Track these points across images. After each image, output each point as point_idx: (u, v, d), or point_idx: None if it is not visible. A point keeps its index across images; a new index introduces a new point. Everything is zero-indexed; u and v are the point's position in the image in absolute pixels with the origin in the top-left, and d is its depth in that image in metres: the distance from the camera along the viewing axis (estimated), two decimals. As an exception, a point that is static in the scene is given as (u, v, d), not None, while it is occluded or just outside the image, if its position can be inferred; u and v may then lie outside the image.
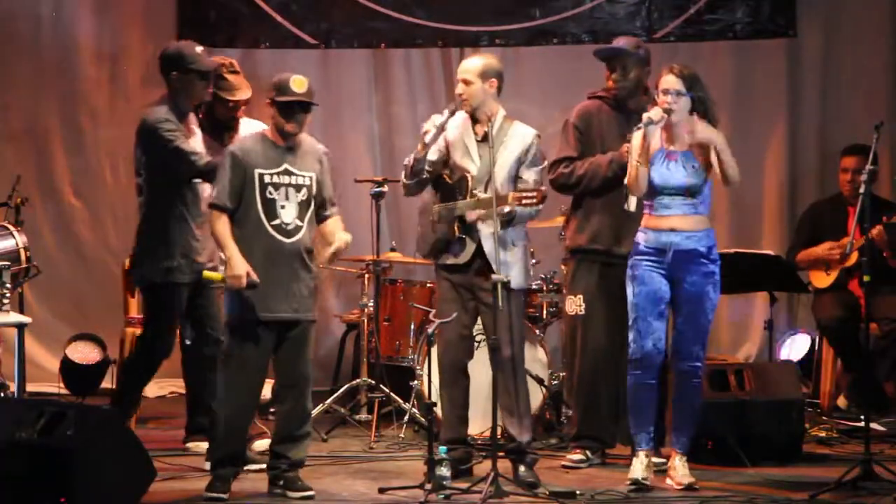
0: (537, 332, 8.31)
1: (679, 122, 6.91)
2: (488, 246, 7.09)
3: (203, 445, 7.58)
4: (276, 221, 6.82)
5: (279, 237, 6.82)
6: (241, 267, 6.72)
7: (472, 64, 7.27)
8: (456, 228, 7.19)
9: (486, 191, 7.11)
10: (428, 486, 6.70)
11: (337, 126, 10.04)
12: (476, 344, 7.95)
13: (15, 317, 7.41)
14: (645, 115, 6.86)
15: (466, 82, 7.20)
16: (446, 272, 7.26)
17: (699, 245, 6.93)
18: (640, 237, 6.97)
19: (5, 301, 7.31)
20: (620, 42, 7.60)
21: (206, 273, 7.30)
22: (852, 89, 10.23)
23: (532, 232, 8.98)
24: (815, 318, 9.14)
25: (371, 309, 8.73)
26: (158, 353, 7.49)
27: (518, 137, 7.23)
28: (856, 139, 9.26)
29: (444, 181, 7.29)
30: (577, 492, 6.79)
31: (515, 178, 7.17)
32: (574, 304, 7.57)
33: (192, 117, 7.49)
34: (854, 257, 8.46)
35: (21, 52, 10.09)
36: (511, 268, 7.08)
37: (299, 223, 6.83)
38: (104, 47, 10.18)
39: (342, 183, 9.48)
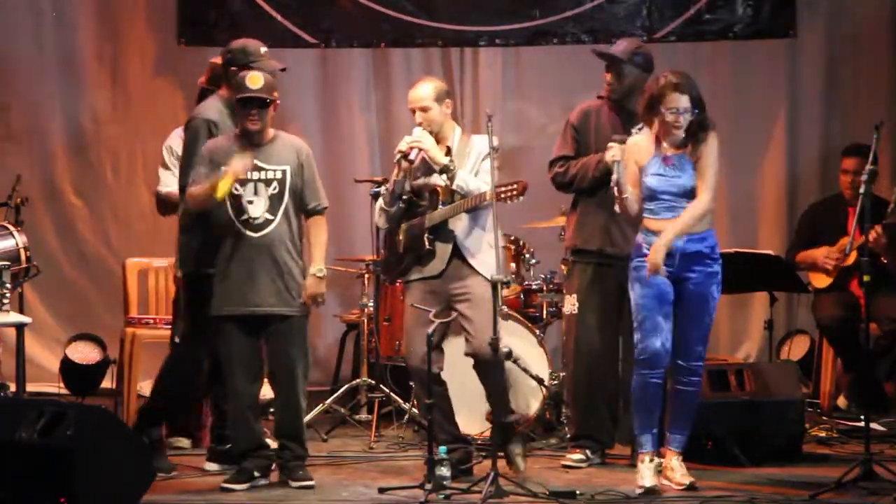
0: (537, 332, 8.31)
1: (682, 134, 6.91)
2: (467, 246, 7.18)
3: (184, 441, 7.80)
4: (244, 217, 6.91)
5: (247, 232, 6.91)
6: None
7: (425, 91, 7.28)
8: (426, 241, 7.22)
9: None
10: (428, 486, 6.70)
11: (336, 125, 10.04)
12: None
13: (15, 317, 7.41)
14: (610, 159, 6.82)
15: (424, 109, 7.24)
16: (419, 290, 7.27)
17: (703, 246, 6.91)
18: (643, 239, 6.94)
19: (5, 301, 7.31)
20: (621, 46, 7.57)
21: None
22: (852, 89, 10.22)
23: (532, 232, 9.03)
24: (815, 318, 9.14)
25: (371, 309, 8.74)
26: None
27: (477, 147, 7.30)
28: (856, 139, 9.25)
29: (413, 202, 7.32)
30: (577, 492, 6.79)
31: None
32: (570, 304, 7.59)
33: None
34: (854, 257, 8.45)
35: (22, 52, 10.09)
36: (490, 266, 7.14)
37: (269, 217, 6.92)
38: (105, 47, 10.18)
39: (342, 183, 9.49)
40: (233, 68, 7.27)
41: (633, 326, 6.95)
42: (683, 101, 6.85)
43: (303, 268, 7.01)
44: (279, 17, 9.98)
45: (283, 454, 7.05)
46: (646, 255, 6.87)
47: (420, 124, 7.25)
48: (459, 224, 7.21)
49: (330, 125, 10.10)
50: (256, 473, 6.97)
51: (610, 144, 6.89)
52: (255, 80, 6.93)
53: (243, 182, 6.90)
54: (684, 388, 6.99)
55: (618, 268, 7.30)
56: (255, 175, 6.92)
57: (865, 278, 7.08)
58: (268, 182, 6.93)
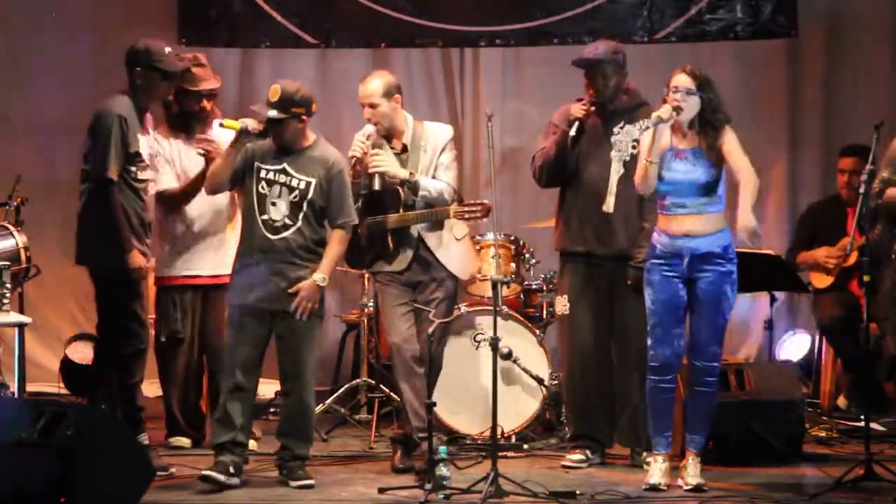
0: (537, 331, 8.31)
1: (687, 120, 6.91)
2: (434, 243, 7.31)
3: (184, 441, 7.92)
4: (265, 216, 6.99)
5: (265, 232, 6.98)
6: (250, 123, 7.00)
7: (374, 87, 7.35)
8: (390, 241, 7.26)
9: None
10: (428, 486, 6.70)
11: (336, 126, 10.02)
12: (476, 345, 7.98)
13: (15, 317, 7.41)
14: (654, 114, 6.84)
15: (373, 106, 7.31)
16: (388, 276, 7.36)
17: (714, 247, 6.92)
18: (656, 239, 6.96)
19: (5, 301, 7.31)
20: (600, 48, 7.57)
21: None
22: (853, 89, 10.22)
23: (532, 232, 9.02)
24: (815, 318, 9.14)
25: (371, 309, 8.74)
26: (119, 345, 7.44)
27: (433, 139, 7.35)
28: (856, 139, 9.25)
29: (371, 194, 7.35)
30: (577, 492, 6.79)
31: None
32: (561, 305, 7.60)
33: (148, 117, 7.51)
34: (854, 257, 8.45)
35: (23, 51, 10.08)
36: (457, 261, 7.32)
37: (289, 222, 6.98)
38: (105, 46, 10.17)
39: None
40: (138, 69, 7.30)
41: (646, 330, 6.98)
42: (685, 80, 6.88)
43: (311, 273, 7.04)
44: (279, 17, 9.97)
45: (283, 454, 7.07)
46: (660, 257, 6.88)
47: (369, 119, 7.29)
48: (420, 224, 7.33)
49: (330, 125, 10.08)
50: (231, 469, 6.97)
51: (664, 107, 6.86)
52: (272, 92, 6.98)
53: (270, 183, 6.98)
54: (700, 389, 7.00)
55: (608, 267, 7.34)
56: (282, 179, 6.99)
57: (865, 278, 7.08)
58: (290, 189, 6.99)
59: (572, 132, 7.42)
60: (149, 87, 7.32)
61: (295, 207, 6.97)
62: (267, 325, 7.00)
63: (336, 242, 7.07)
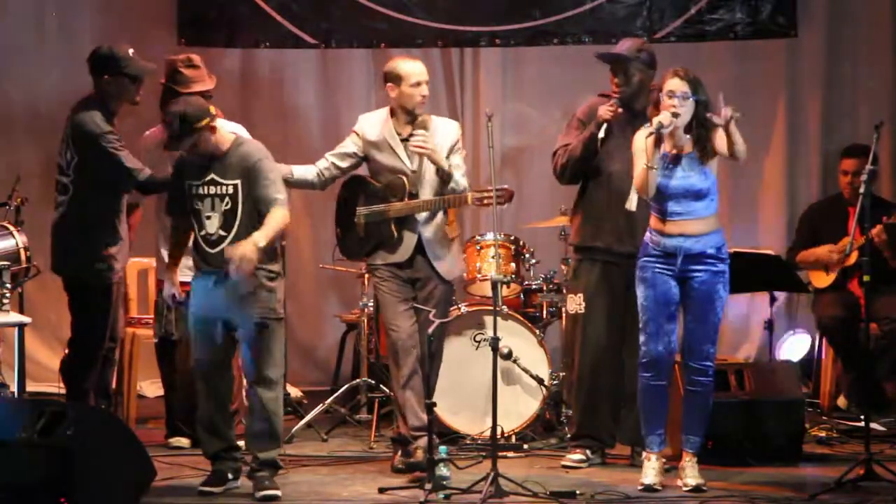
0: (537, 331, 8.31)
1: (684, 124, 6.91)
2: (428, 238, 7.30)
3: (184, 441, 7.87)
4: (203, 232, 6.88)
5: (206, 247, 6.88)
6: (166, 290, 7.08)
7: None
8: (393, 229, 7.25)
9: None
10: (428, 486, 6.70)
11: (336, 126, 10.03)
12: (476, 345, 7.97)
13: (15, 317, 7.41)
14: (655, 120, 6.83)
15: (427, 84, 7.41)
16: (388, 271, 7.34)
17: (707, 247, 6.92)
18: (649, 239, 6.96)
19: (5, 301, 7.31)
20: (624, 45, 7.55)
21: None
22: (853, 89, 10.22)
23: (532, 232, 9.03)
24: (815, 318, 9.14)
25: (371, 309, 8.74)
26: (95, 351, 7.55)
27: (441, 133, 7.37)
28: (856, 139, 9.25)
29: (370, 183, 7.33)
30: (577, 492, 6.79)
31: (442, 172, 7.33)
32: (574, 303, 7.57)
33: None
34: (854, 257, 8.46)
35: (24, 51, 10.09)
36: (447, 261, 7.32)
37: (223, 233, 6.83)
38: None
39: (341, 183, 9.48)
40: (105, 76, 7.35)
41: (639, 328, 6.97)
42: (680, 85, 6.87)
43: (272, 276, 6.87)
44: (279, 18, 9.99)
45: (250, 462, 6.96)
46: (653, 255, 6.89)
47: (423, 97, 7.40)
48: (422, 214, 7.32)
49: (330, 125, 10.09)
50: (230, 476, 6.93)
51: (664, 114, 6.84)
52: (171, 121, 6.87)
53: (202, 197, 6.86)
54: (695, 389, 6.99)
55: (625, 266, 7.31)
56: (212, 190, 6.85)
57: (865, 278, 7.08)
58: (221, 197, 6.85)
59: (601, 134, 7.35)
60: (118, 92, 7.40)
61: (229, 216, 6.81)
62: (225, 330, 6.89)
63: (272, 215, 6.74)
